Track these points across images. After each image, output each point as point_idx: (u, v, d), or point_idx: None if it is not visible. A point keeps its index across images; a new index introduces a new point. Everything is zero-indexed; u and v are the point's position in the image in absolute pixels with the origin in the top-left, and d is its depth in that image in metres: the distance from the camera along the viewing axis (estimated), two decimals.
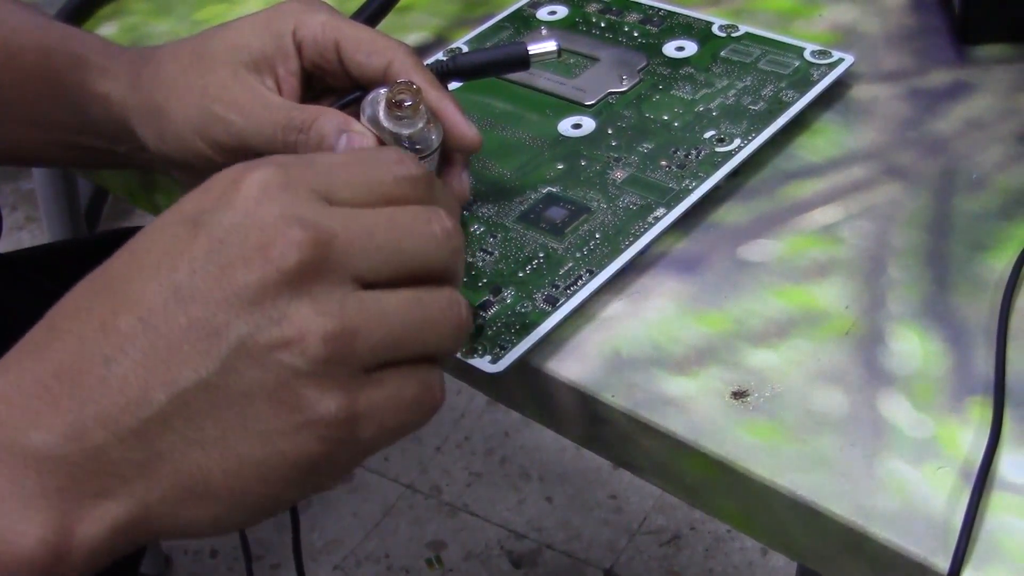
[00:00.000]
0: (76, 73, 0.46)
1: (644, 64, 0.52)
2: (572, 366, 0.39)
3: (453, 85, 0.52)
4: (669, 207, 0.43)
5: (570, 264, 0.41)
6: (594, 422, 0.39)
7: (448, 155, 0.42)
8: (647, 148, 0.47)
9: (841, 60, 0.49)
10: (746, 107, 0.48)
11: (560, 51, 0.44)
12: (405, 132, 0.40)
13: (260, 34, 0.43)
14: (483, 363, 0.38)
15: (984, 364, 0.37)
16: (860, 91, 0.49)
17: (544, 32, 0.55)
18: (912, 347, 0.38)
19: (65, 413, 0.28)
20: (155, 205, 0.55)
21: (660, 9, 0.55)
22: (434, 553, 1.20)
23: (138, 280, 0.29)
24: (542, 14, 0.56)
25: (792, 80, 0.49)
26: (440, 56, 0.54)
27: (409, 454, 1.31)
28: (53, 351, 0.29)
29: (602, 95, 0.50)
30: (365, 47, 0.42)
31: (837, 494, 0.33)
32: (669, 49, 0.52)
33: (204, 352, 0.28)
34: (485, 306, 0.40)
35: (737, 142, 0.46)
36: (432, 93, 0.41)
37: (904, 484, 0.33)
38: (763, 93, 0.48)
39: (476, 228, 0.44)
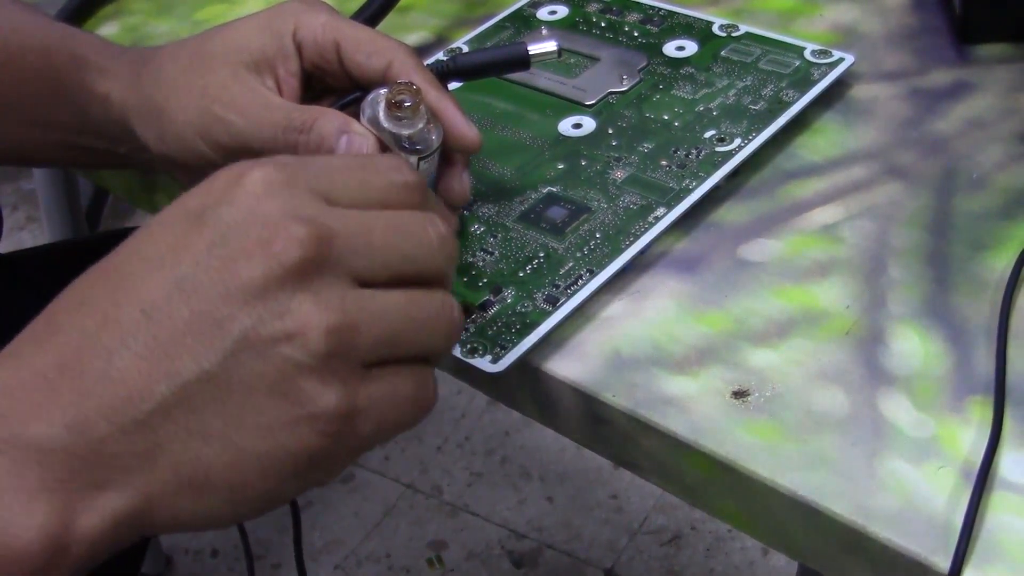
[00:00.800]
0: (76, 73, 0.46)
1: (644, 64, 0.52)
2: (572, 366, 0.39)
3: (453, 85, 0.52)
4: (669, 207, 0.43)
5: (570, 264, 0.41)
6: (594, 422, 0.39)
7: (448, 155, 0.42)
8: (647, 148, 0.47)
9: (841, 60, 0.49)
10: (746, 107, 0.48)
11: (560, 51, 0.44)
12: (405, 133, 0.40)
13: (260, 34, 0.43)
14: (484, 363, 0.38)
15: (985, 364, 0.37)
16: (861, 91, 0.49)
17: (544, 32, 0.55)
18: (913, 347, 0.38)
19: (67, 405, 0.28)
20: (155, 205, 0.55)
21: (660, 9, 0.55)
22: (435, 553, 1.20)
23: (141, 273, 0.29)
24: (542, 14, 0.56)
25: (792, 80, 0.49)
26: (440, 56, 0.54)
27: (410, 454, 1.31)
28: (54, 344, 0.29)
29: (602, 95, 0.50)
30: (365, 47, 0.42)
31: (838, 494, 0.33)
32: (669, 49, 0.52)
33: (207, 344, 0.28)
34: (485, 306, 0.40)
35: (737, 142, 0.46)
36: (432, 93, 0.41)
37: (905, 484, 0.33)
38: (763, 93, 0.48)
39: (476, 228, 0.44)
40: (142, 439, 0.28)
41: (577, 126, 0.49)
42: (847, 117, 0.48)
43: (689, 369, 0.38)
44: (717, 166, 0.45)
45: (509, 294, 0.41)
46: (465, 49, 0.54)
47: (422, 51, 0.56)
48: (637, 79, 0.51)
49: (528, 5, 0.57)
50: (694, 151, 0.46)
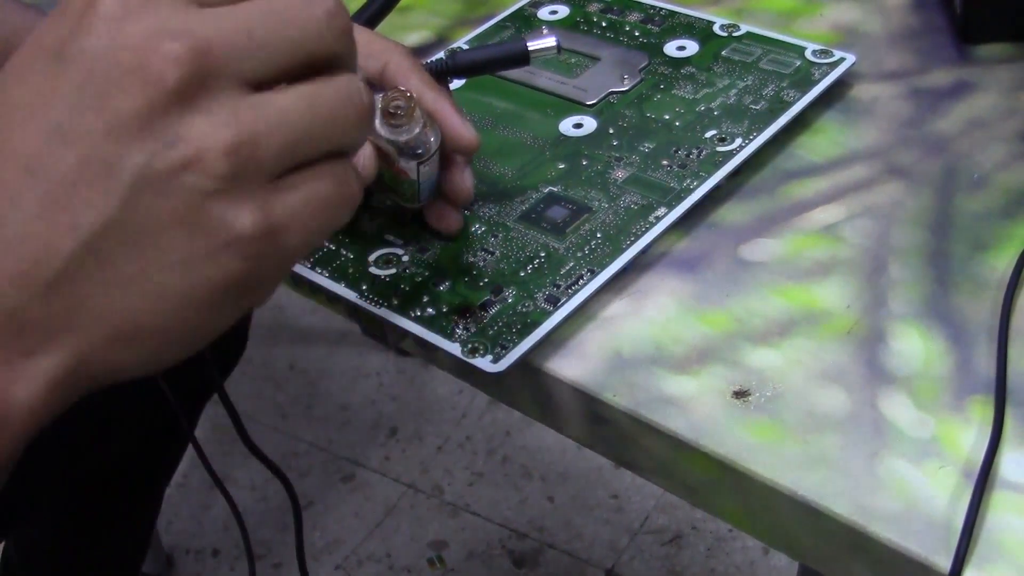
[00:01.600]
0: None
1: (645, 63, 0.52)
2: (573, 366, 0.39)
3: (456, 84, 0.52)
4: (670, 206, 0.43)
5: (571, 264, 0.41)
6: (595, 422, 0.39)
7: (449, 155, 0.43)
8: (648, 148, 0.47)
9: (842, 59, 0.49)
10: (747, 106, 0.48)
11: (560, 47, 0.44)
12: (402, 139, 0.40)
13: None
14: (484, 363, 0.38)
15: (985, 363, 0.37)
16: (861, 90, 0.49)
17: (545, 30, 0.55)
18: (913, 346, 0.38)
19: None
20: None
21: (661, 8, 0.55)
22: (436, 553, 1.20)
23: (11, 128, 0.27)
24: (543, 14, 0.56)
25: (793, 79, 0.49)
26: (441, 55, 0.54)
27: (411, 454, 1.31)
28: None
29: (603, 95, 0.50)
30: (362, 50, 0.42)
31: (838, 493, 0.33)
32: (670, 48, 0.52)
33: (102, 190, 0.26)
34: (486, 305, 0.40)
35: (738, 141, 0.46)
36: (428, 95, 0.41)
37: (905, 483, 0.33)
38: (764, 92, 0.48)
39: (477, 228, 0.44)
40: (59, 300, 0.27)
41: (578, 126, 0.49)
42: (848, 117, 0.48)
43: (690, 369, 0.38)
44: (718, 166, 0.45)
45: (510, 294, 0.41)
46: (466, 48, 0.54)
47: (423, 51, 0.56)
48: (638, 79, 0.51)
49: (529, 5, 0.57)
50: (695, 151, 0.46)
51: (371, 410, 1.37)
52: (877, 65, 0.51)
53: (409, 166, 0.40)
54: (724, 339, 0.39)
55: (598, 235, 0.43)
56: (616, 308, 0.41)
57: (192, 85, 0.26)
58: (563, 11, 0.56)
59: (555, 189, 0.45)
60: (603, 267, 0.41)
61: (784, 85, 0.48)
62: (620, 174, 0.45)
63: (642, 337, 0.39)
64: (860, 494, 0.33)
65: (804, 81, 0.48)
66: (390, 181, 0.42)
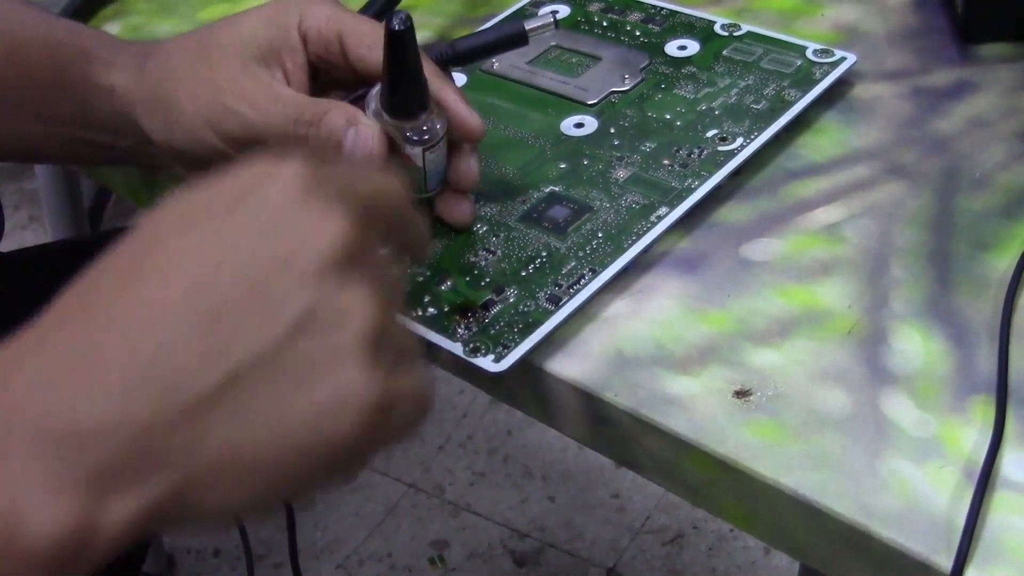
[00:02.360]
0: (81, 67, 0.46)
1: (646, 63, 0.51)
2: (574, 365, 0.39)
3: (460, 80, 0.52)
4: (672, 206, 0.43)
5: (573, 263, 0.41)
6: (596, 421, 0.39)
7: (455, 141, 0.43)
8: (649, 147, 0.47)
9: (843, 59, 0.49)
10: (748, 106, 0.48)
11: (556, 23, 0.44)
12: (408, 125, 0.40)
13: (267, 27, 0.43)
14: (486, 362, 0.38)
15: (987, 363, 0.37)
16: (863, 90, 0.49)
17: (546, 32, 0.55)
18: (915, 346, 0.38)
19: (110, 390, 0.26)
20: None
21: (662, 8, 0.55)
22: (437, 552, 1.20)
23: (181, 250, 0.28)
24: (544, 13, 0.56)
25: (794, 79, 0.49)
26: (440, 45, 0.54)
27: (412, 453, 1.31)
28: (85, 329, 0.27)
29: (604, 94, 0.50)
30: (367, 40, 0.42)
31: (840, 493, 0.33)
32: (671, 48, 0.52)
33: (265, 325, 0.27)
34: (488, 305, 0.40)
35: (739, 141, 0.46)
36: (434, 82, 0.42)
37: (907, 483, 0.33)
38: (765, 92, 0.48)
39: (479, 227, 0.44)
40: (189, 426, 0.27)
41: (579, 125, 0.49)
42: (849, 116, 0.48)
43: (691, 368, 0.38)
44: (719, 165, 0.45)
45: (511, 293, 0.41)
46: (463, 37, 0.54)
47: (423, 50, 0.56)
48: (639, 78, 0.51)
49: (530, 4, 0.57)
50: (696, 150, 0.46)
51: None
52: (878, 65, 0.51)
53: (415, 152, 0.41)
54: (725, 339, 0.39)
55: (599, 235, 0.43)
56: (617, 308, 0.41)
57: (356, 252, 0.29)
58: (564, 11, 0.56)
59: (556, 189, 0.45)
60: (604, 267, 0.41)
61: (785, 85, 0.48)
62: (621, 173, 0.45)
63: (643, 337, 0.39)
64: (861, 494, 0.33)
65: (805, 81, 0.48)
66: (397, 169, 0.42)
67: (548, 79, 0.52)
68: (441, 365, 0.42)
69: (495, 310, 0.40)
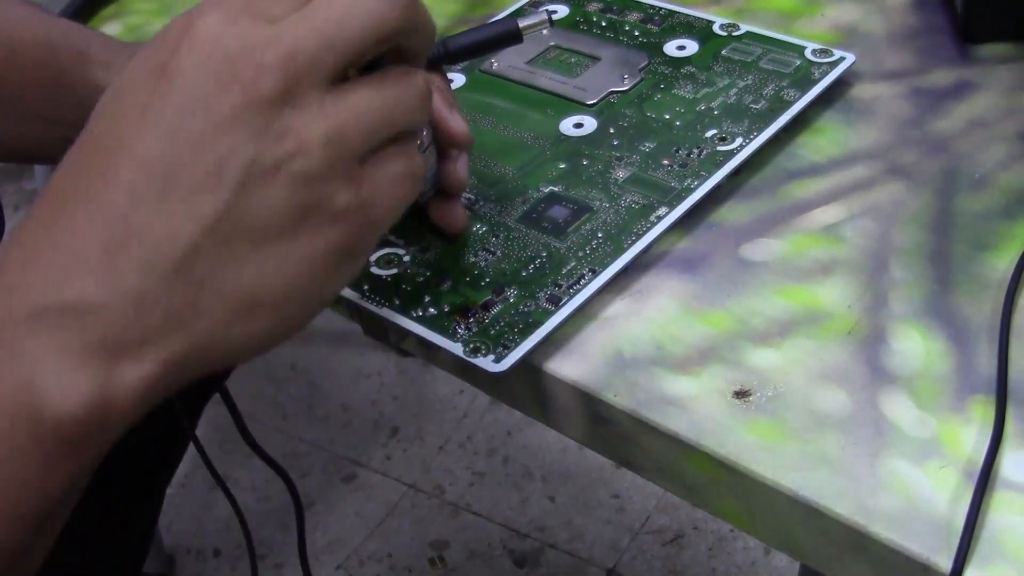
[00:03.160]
0: (80, 68, 0.46)
1: (645, 63, 0.51)
2: (574, 366, 0.39)
3: (455, 84, 0.52)
4: (671, 206, 0.43)
5: (572, 263, 0.41)
6: (596, 422, 0.39)
7: (443, 148, 0.42)
8: (649, 147, 0.47)
9: (842, 59, 0.49)
10: (747, 106, 0.48)
11: (552, 20, 0.44)
12: None
13: None
14: (486, 362, 0.38)
15: (986, 363, 0.37)
16: (862, 90, 0.49)
17: (545, 32, 0.55)
18: (914, 346, 0.38)
19: (97, 266, 0.28)
20: None
21: (661, 8, 0.55)
22: (437, 553, 1.20)
23: (127, 135, 0.30)
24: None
25: (793, 79, 0.49)
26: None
27: (412, 454, 1.31)
28: (64, 217, 0.29)
29: (603, 94, 0.50)
30: None
31: (839, 493, 0.33)
32: (670, 48, 0.52)
33: (217, 181, 0.29)
34: (488, 305, 0.40)
35: (739, 141, 0.46)
36: None
37: (906, 483, 0.33)
38: (764, 92, 0.48)
39: (478, 228, 0.44)
40: (182, 283, 0.29)
41: (578, 125, 0.49)
42: (849, 117, 0.48)
43: (691, 369, 0.38)
44: (719, 165, 0.45)
45: (511, 294, 0.41)
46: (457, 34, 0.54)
47: None
48: (638, 78, 0.51)
49: (528, 4, 0.57)
50: (695, 150, 0.46)
51: (372, 410, 1.37)
52: (878, 65, 0.51)
53: None
54: (725, 339, 0.39)
55: (599, 235, 0.43)
56: (617, 308, 0.41)
57: (284, 88, 0.30)
58: (563, 11, 0.56)
59: (556, 189, 0.45)
60: (604, 267, 0.41)
61: (784, 84, 0.48)
62: (621, 174, 0.45)
63: (643, 337, 0.39)
64: (861, 494, 0.33)
65: (804, 80, 0.48)
66: None
67: (547, 79, 0.52)
68: (441, 365, 0.42)
69: (495, 310, 0.40)
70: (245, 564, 1.21)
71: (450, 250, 0.43)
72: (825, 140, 0.47)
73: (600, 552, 1.18)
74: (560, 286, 0.41)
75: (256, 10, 0.31)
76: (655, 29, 0.54)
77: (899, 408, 0.36)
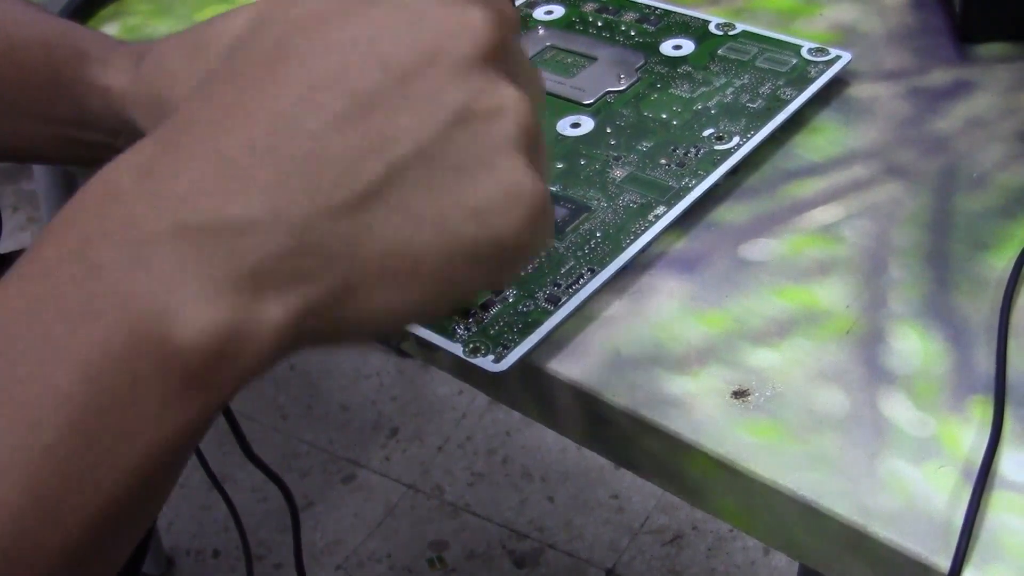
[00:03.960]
0: (77, 66, 0.46)
1: (642, 63, 0.51)
2: (573, 366, 0.39)
3: None
4: (669, 205, 0.43)
5: (571, 263, 0.41)
6: (595, 422, 0.39)
7: None
8: (646, 146, 0.47)
9: (838, 57, 0.49)
10: (744, 105, 0.48)
11: None
12: None
13: None
14: (486, 362, 0.38)
15: (985, 363, 0.37)
16: (861, 90, 0.49)
17: (541, 32, 0.55)
18: (913, 346, 0.38)
19: (265, 186, 0.25)
20: None
21: (657, 8, 0.55)
22: (436, 553, 1.20)
23: (327, 50, 0.26)
24: (539, 14, 0.56)
25: (790, 78, 0.49)
26: None
27: (411, 454, 1.31)
28: (238, 124, 0.26)
29: (600, 94, 0.50)
30: None
31: (838, 493, 0.33)
32: (666, 48, 0.52)
33: (422, 119, 0.26)
34: (487, 305, 0.40)
35: (736, 140, 0.46)
36: None
37: (905, 483, 0.33)
38: (761, 91, 0.48)
39: None
40: (351, 222, 0.26)
41: (575, 125, 0.49)
42: (847, 116, 0.48)
43: (689, 369, 0.38)
44: (717, 164, 0.45)
45: (510, 294, 0.41)
46: None
47: None
48: (635, 78, 0.51)
49: (524, 5, 0.57)
50: (693, 149, 0.46)
51: (371, 410, 1.37)
52: (876, 65, 0.51)
53: None
54: (724, 339, 0.39)
55: (598, 234, 0.43)
56: (615, 308, 0.41)
57: (500, 48, 0.28)
58: (558, 11, 0.56)
59: (554, 188, 0.45)
60: (603, 266, 0.41)
61: (781, 83, 0.48)
62: (619, 173, 0.45)
63: (642, 337, 0.39)
64: (860, 494, 0.33)
65: (801, 79, 0.48)
66: None
67: (544, 79, 0.52)
68: (440, 366, 0.42)
69: (494, 310, 0.40)
70: (243, 565, 1.21)
71: None
72: (824, 140, 0.47)
73: (599, 552, 1.18)
74: (559, 286, 0.41)
75: None
76: (651, 29, 0.54)
77: (898, 408, 0.36)
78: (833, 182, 0.45)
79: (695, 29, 0.53)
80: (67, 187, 1.08)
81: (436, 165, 0.26)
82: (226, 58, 0.27)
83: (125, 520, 0.25)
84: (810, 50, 0.50)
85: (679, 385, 0.37)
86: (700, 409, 0.36)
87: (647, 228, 0.42)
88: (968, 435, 0.35)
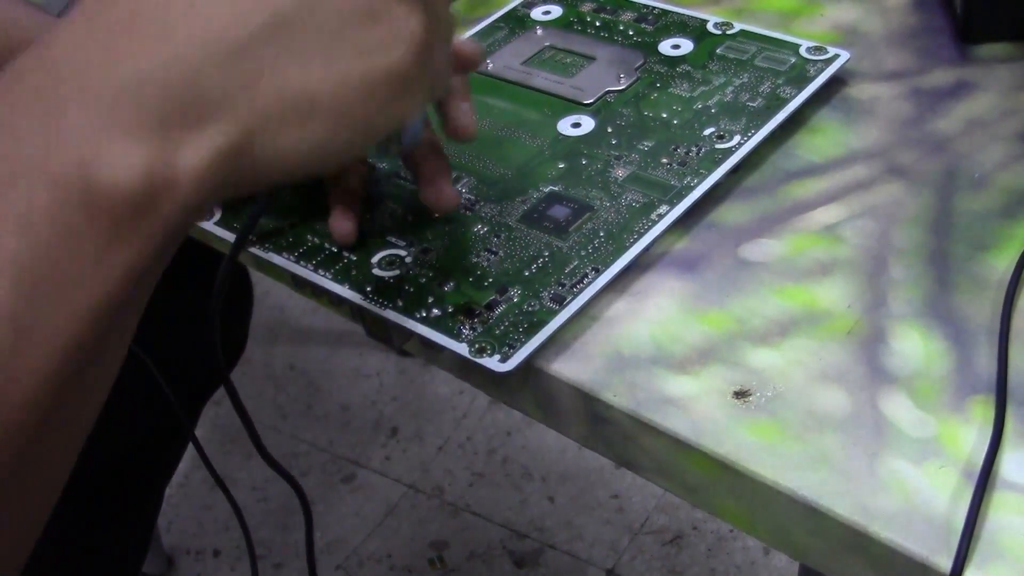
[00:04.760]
0: None
1: (641, 62, 0.51)
2: (574, 366, 0.39)
3: None
4: (672, 204, 0.43)
5: (575, 262, 0.41)
6: (596, 422, 0.39)
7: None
8: (647, 146, 0.47)
9: (837, 56, 0.49)
10: (744, 104, 0.48)
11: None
12: None
13: None
14: (492, 362, 0.38)
15: (986, 363, 0.37)
16: (861, 90, 0.49)
17: (539, 32, 0.55)
18: (914, 346, 0.38)
19: (155, 42, 0.27)
20: None
21: (655, 7, 0.55)
22: (436, 553, 1.20)
23: None
24: (536, 14, 0.56)
25: (789, 77, 0.49)
26: None
27: (411, 454, 1.31)
28: (114, 2, 0.28)
29: (600, 94, 0.50)
30: None
31: (839, 494, 0.33)
32: (665, 47, 0.52)
33: None
34: (492, 305, 0.40)
35: (737, 138, 0.46)
36: None
37: (906, 484, 0.33)
38: (761, 90, 0.48)
39: (480, 228, 0.44)
40: (241, 67, 0.28)
41: (576, 125, 0.49)
42: (848, 116, 0.48)
43: (690, 369, 0.38)
44: (718, 163, 0.45)
45: (515, 293, 0.41)
46: None
47: None
48: (634, 77, 0.51)
49: (522, 5, 0.57)
50: (694, 148, 0.46)
51: (372, 410, 1.37)
52: (877, 65, 0.51)
53: None
54: (724, 339, 0.39)
55: (601, 233, 0.43)
56: (616, 308, 0.41)
57: None
58: (556, 11, 0.56)
59: (556, 188, 0.45)
60: (608, 265, 0.41)
61: (780, 82, 0.48)
62: (620, 172, 0.45)
63: (642, 337, 0.39)
64: (860, 494, 0.33)
65: (799, 78, 0.48)
66: None
67: (543, 79, 0.52)
68: (444, 366, 0.42)
69: (499, 310, 0.40)
70: (244, 564, 1.21)
71: (452, 251, 0.43)
72: (824, 140, 0.47)
73: (600, 552, 1.18)
74: (564, 285, 0.41)
75: None
76: (649, 28, 0.54)
77: (899, 408, 0.36)
78: (834, 182, 0.45)
79: (693, 28, 0.53)
80: None
81: (318, 13, 0.29)
82: None
83: (82, 375, 0.26)
84: (808, 49, 0.50)
85: (680, 385, 0.37)
86: (701, 409, 0.36)
87: (650, 227, 0.42)
88: (969, 435, 0.35)
